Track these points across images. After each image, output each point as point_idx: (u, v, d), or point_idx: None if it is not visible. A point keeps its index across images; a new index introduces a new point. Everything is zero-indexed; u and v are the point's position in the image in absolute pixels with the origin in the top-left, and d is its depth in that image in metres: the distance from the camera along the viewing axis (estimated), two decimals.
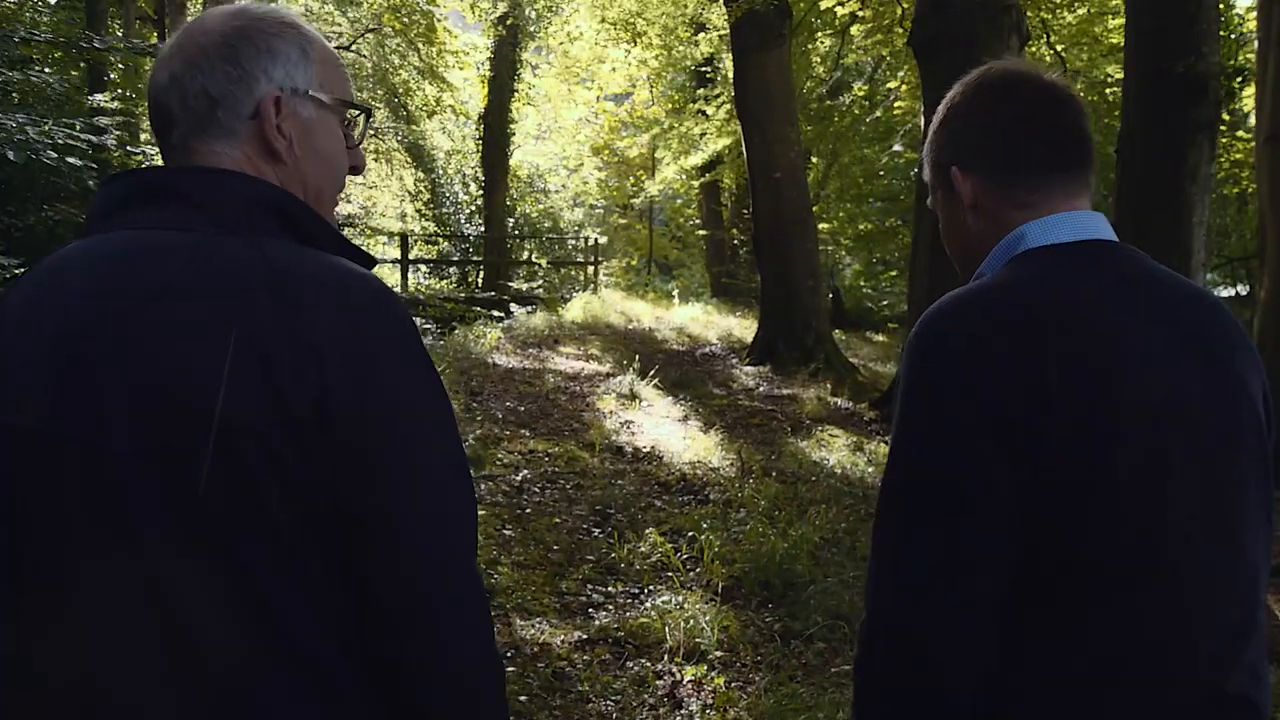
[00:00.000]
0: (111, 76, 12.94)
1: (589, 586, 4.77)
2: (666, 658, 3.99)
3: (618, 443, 7.55)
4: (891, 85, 16.20)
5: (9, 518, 0.98)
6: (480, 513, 5.64)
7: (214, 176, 1.05)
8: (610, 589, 4.75)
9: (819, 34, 17.61)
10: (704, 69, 18.33)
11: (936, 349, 1.12)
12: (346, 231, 22.02)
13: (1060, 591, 1.09)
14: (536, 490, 6.23)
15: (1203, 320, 1.18)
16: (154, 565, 0.93)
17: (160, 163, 1.14)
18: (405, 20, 21.78)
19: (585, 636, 4.18)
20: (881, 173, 21.36)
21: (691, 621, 4.19)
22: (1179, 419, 1.11)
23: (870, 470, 7.34)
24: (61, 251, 1.05)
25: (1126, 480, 1.08)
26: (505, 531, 5.38)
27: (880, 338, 16.76)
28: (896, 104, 16.68)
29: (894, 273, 24.22)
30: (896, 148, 16.86)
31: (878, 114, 18.79)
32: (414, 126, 23.27)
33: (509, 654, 3.97)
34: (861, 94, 19.08)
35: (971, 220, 1.28)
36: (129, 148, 12.22)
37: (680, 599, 4.48)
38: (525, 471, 6.56)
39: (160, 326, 0.95)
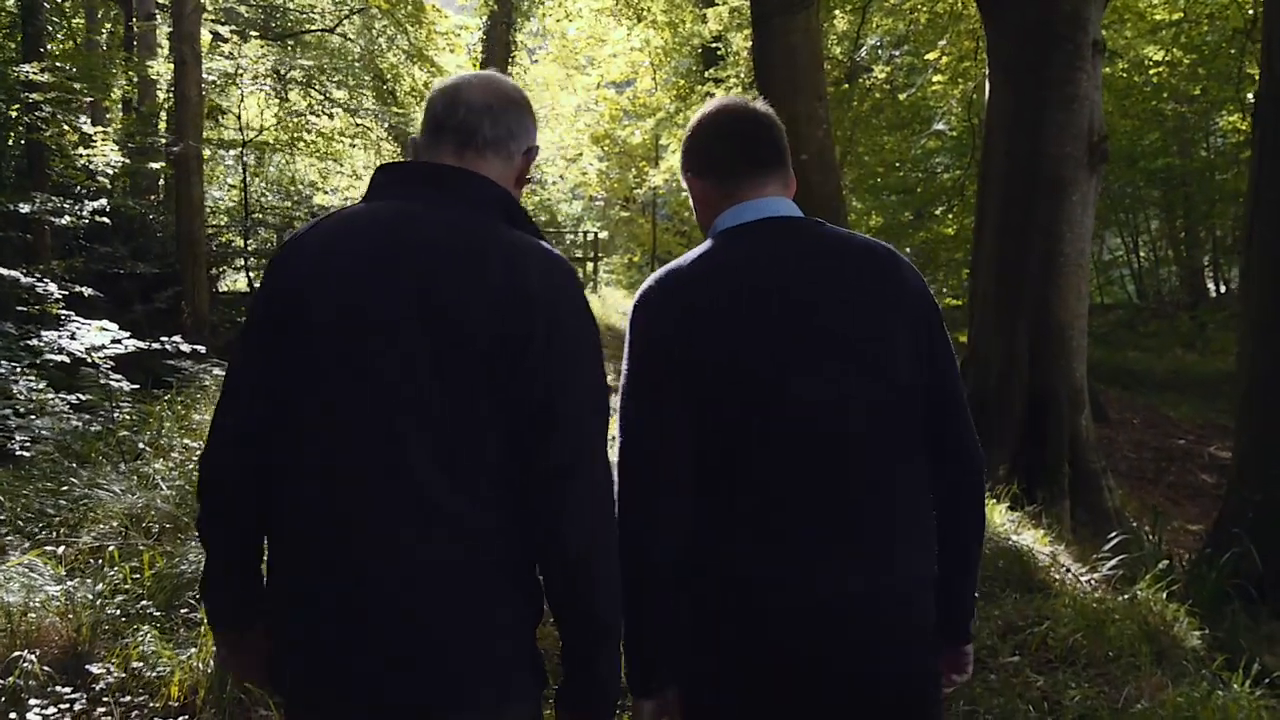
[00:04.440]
0: (49, 48, 11.49)
1: None
2: None
3: None
4: (931, 56, 14.68)
5: (313, 370, 1.48)
6: None
7: (474, 177, 1.58)
8: None
9: (836, 10, 16.18)
10: (715, 45, 16.85)
11: (638, 305, 1.68)
12: None
13: (714, 466, 1.60)
14: None
15: (831, 264, 1.66)
16: (396, 422, 1.44)
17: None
18: (392, 0, 20.34)
19: None
20: (898, 163, 19.98)
21: None
22: (775, 336, 1.60)
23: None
24: (348, 209, 1.58)
25: (735, 383, 1.60)
26: None
27: None
28: (935, 78, 15.15)
29: None
30: (939, 126, 15.33)
31: (902, 97, 17.39)
32: (402, 113, 21.80)
33: None
34: (883, 76, 17.63)
35: (702, 211, 1.80)
36: (63, 130, 10.76)
37: None
38: None
39: (428, 266, 1.46)
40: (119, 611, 3.49)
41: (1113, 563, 5.19)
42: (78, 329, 5.22)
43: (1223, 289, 22.45)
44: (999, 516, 6.11)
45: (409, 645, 1.43)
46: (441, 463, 1.43)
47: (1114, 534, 5.49)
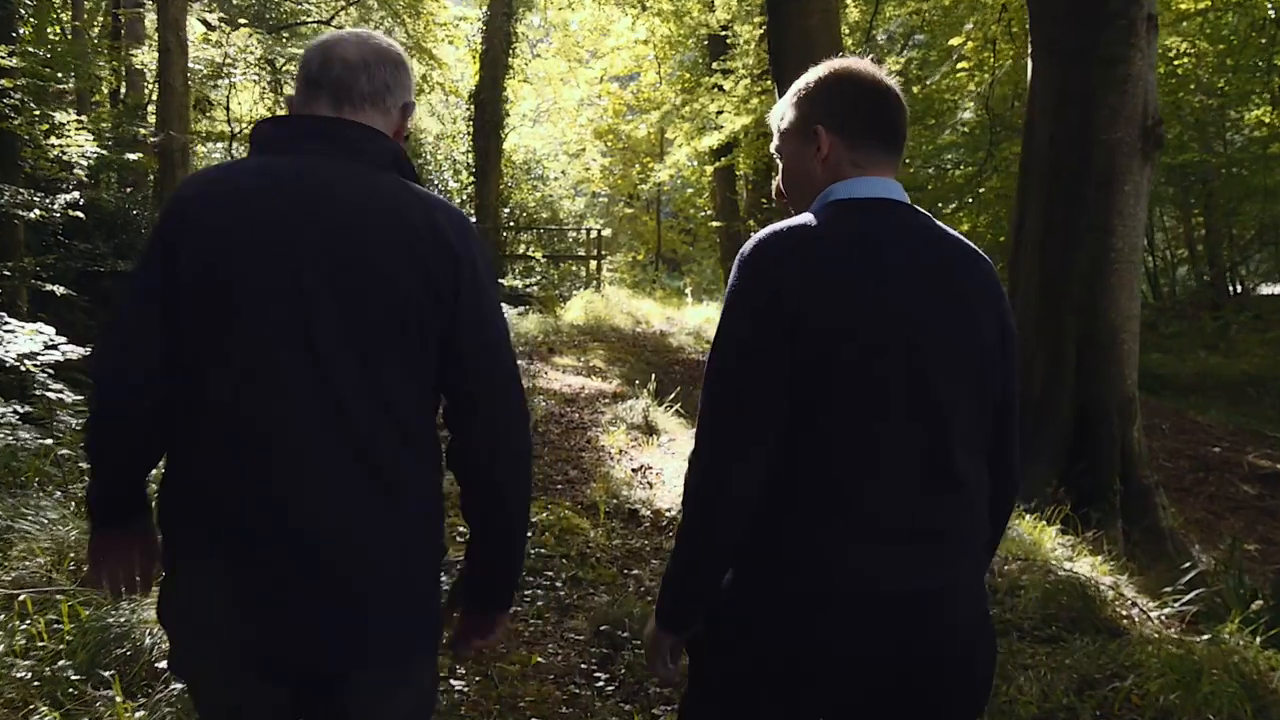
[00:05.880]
0: (21, 32, 10.87)
1: None
2: None
3: (630, 502, 5.44)
4: (956, 41, 14.06)
5: (247, 327, 1.49)
6: None
7: (370, 132, 1.61)
8: None
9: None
10: (724, 33, 16.24)
11: (754, 254, 1.58)
12: None
13: (806, 433, 1.54)
14: None
15: (950, 259, 1.63)
16: (326, 375, 1.48)
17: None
18: None
19: None
20: (908, 159, 19.33)
21: None
22: (898, 321, 1.54)
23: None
24: (242, 162, 1.58)
25: (850, 360, 1.52)
26: (454, 684, 3.31)
27: None
28: (960, 65, 14.53)
29: None
30: (967, 115, 14.72)
31: (916, 89, 16.73)
32: None
33: None
34: (897, 68, 16.99)
35: (819, 168, 1.68)
36: (34, 119, 10.15)
37: None
38: None
39: (351, 220, 1.50)
40: (29, 675, 2.89)
41: (1187, 598, 4.59)
42: (8, 334, 4.61)
43: (1238, 289, 21.84)
44: (1049, 540, 5.51)
45: (326, 604, 1.47)
46: (377, 414, 1.49)
47: (1187, 565, 4.90)
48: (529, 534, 4.85)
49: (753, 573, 1.57)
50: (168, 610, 1.58)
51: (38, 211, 9.38)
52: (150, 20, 15.67)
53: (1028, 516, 5.74)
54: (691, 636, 1.66)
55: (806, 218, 1.61)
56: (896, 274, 1.57)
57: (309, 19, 20.04)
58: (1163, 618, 4.64)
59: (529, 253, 21.09)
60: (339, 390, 1.47)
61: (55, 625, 3.14)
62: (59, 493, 4.13)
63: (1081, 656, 3.86)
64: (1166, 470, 10.27)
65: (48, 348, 4.60)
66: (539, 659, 3.52)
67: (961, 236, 1.68)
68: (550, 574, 4.35)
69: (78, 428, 4.93)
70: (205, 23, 14.78)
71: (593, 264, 20.55)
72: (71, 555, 3.47)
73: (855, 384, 1.52)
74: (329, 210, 1.49)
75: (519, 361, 6.97)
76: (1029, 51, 6.98)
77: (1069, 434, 6.31)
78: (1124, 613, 4.58)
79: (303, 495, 1.46)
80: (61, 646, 3.08)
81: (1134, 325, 6.42)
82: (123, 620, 3.15)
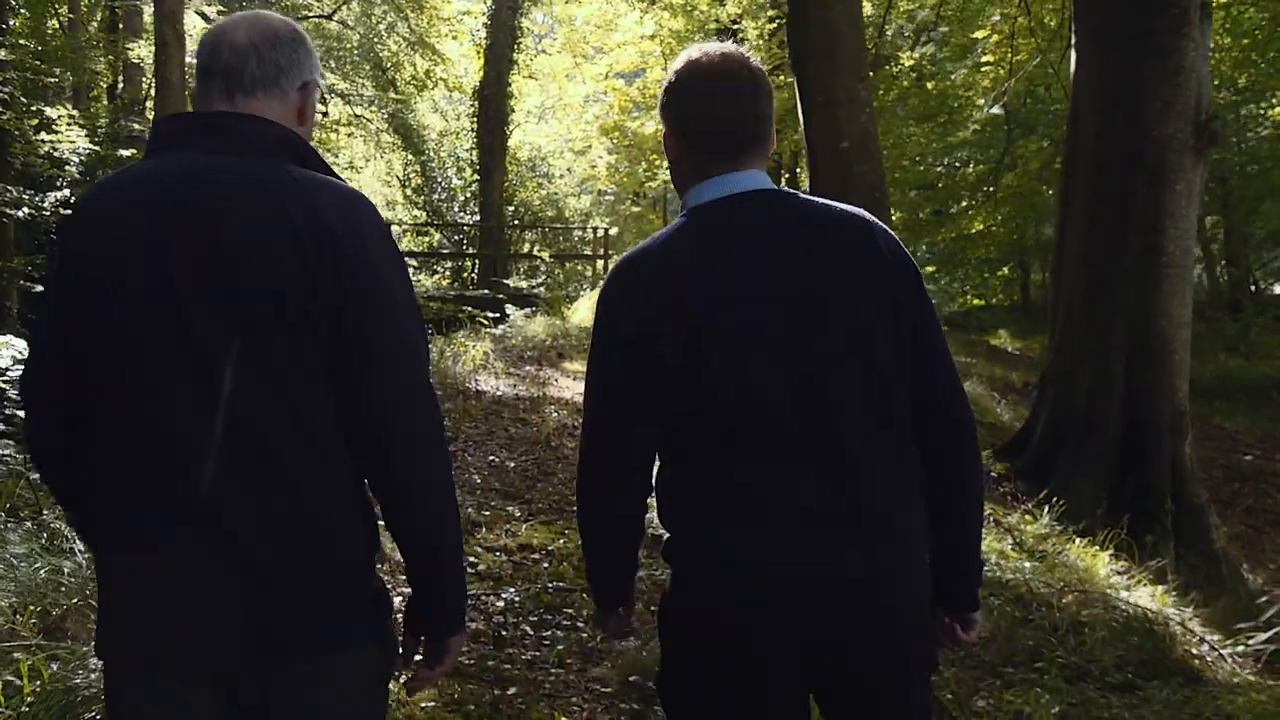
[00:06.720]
0: (11, 24, 10.50)
1: None
2: None
3: (654, 526, 5.04)
4: (980, 34, 13.65)
5: (113, 332, 1.45)
6: (428, 704, 3.25)
7: (255, 121, 1.53)
8: None
9: None
10: (735, 26, 15.86)
11: (605, 293, 1.66)
12: None
13: (681, 442, 1.60)
14: (529, 631, 3.78)
15: (814, 239, 1.59)
16: (212, 371, 1.42)
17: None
18: None
19: None
20: (919, 157, 18.96)
21: None
22: (738, 323, 1.55)
23: (1029, 565, 4.90)
24: (135, 167, 1.56)
25: (731, 362, 1.55)
26: None
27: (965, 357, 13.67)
28: (985, 58, 14.14)
29: (930, 269, 21.78)
30: (995, 110, 14.32)
31: (930, 85, 16.37)
32: (401, 99, 20.82)
33: None
34: (910, 63, 16.61)
35: (676, 171, 1.71)
36: (25, 113, 9.77)
37: None
38: (511, 590, 4.09)
39: (225, 219, 1.44)
40: None
41: (1264, 636, 4.22)
42: None
43: (1254, 288, 21.44)
44: (1102, 566, 5.14)
45: (238, 599, 1.43)
46: (273, 414, 1.45)
47: (1263, 599, 4.53)
48: (546, 565, 4.46)
49: (673, 563, 1.65)
50: (99, 635, 1.55)
51: (28, 210, 9.02)
52: (149, 14, 15.32)
53: (1077, 540, 5.39)
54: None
55: (657, 235, 1.66)
56: (739, 267, 1.57)
57: (310, 13, 19.66)
58: (1235, 656, 4.27)
59: (534, 252, 20.71)
60: (229, 389, 1.43)
61: (14, 685, 2.77)
62: (30, 522, 3.75)
63: (1163, 708, 3.49)
64: (1202, 481, 9.90)
65: (18, 362, 4.23)
66: (562, 717, 3.14)
67: (840, 207, 1.64)
68: (570, 611, 3.96)
69: None
70: (204, 16, 14.42)
71: (599, 263, 20.18)
72: (37, 602, 3.10)
73: (716, 391, 1.55)
74: (202, 207, 1.45)
75: (529, 368, 6.50)
76: (1073, 42, 6.61)
77: (1117, 450, 5.95)
78: (1195, 651, 4.20)
79: (204, 494, 1.43)
80: (24, 709, 2.71)
81: (1185, 333, 6.05)
82: (92, 679, 2.77)
